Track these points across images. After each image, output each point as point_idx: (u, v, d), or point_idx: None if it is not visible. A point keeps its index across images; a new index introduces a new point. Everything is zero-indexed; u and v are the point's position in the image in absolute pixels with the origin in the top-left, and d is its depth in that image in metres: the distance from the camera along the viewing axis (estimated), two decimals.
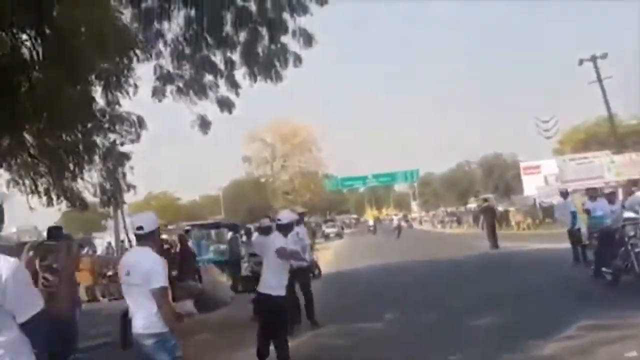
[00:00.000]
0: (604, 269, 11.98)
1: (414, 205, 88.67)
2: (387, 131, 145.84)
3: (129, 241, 36.20)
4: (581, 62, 37.83)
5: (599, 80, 37.11)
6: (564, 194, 16.96)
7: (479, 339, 8.72)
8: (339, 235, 58.74)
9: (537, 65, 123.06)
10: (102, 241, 39.02)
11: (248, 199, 64.10)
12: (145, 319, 5.05)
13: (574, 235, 15.98)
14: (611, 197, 13.99)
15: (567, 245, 19.92)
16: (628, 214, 11.43)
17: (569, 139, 52.91)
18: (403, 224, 47.95)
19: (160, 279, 4.99)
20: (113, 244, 34.92)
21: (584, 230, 15.62)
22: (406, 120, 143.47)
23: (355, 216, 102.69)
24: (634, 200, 10.03)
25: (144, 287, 5.00)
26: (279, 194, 66.98)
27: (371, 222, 70.36)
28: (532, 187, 44.59)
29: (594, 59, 37.43)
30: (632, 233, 11.17)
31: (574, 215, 15.95)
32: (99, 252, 33.29)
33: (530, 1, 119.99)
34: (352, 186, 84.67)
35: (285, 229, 8.10)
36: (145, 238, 5.27)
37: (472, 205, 65.75)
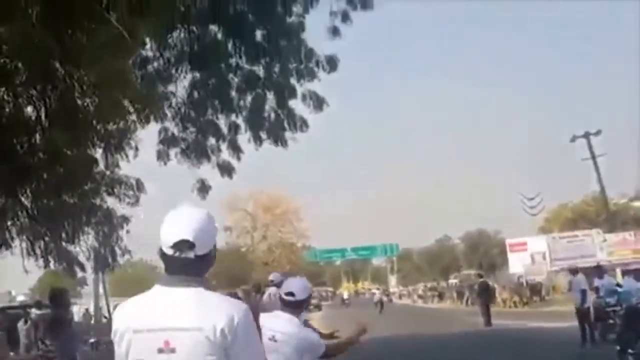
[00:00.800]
0: (630, 350, 11.40)
1: (392, 279, 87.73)
2: (367, 203, 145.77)
3: (108, 308, 35.16)
4: (574, 138, 38.11)
5: (593, 157, 37.30)
6: (574, 272, 16.50)
7: None
8: (317, 307, 57.42)
9: (523, 142, 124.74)
10: (78, 308, 37.71)
11: (228, 269, 62.97)
12: None
13: (582, 313, 15.45)
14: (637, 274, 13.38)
15: (564, 324, 19.54)
16: None
17: (555, 217, 52.99)
18: (384, 297, 46.97)
19: (321, 350, 4.59)
20: (91, 310, 33.87)
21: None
22: (386, 193, 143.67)
23: (331, 289, 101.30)
24: None
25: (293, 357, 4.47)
26: (258, 264, 66.10)
27: (346, 295, 69.32)
28: (517, 264, 44.13)
29: (587, 135, 37.69)
30: None
31: (583, 293, 15.45)
32: (76, 318, 32.05)
33: (514, 79, 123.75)
34: (330, 258, 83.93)
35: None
36: (294, 306, 4.68)
37: (454, 280, 65.17)
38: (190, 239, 2.46)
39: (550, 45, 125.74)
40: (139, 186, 14.73)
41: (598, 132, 38.16)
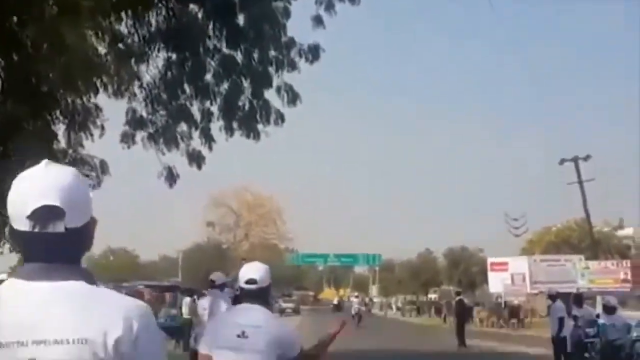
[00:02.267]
0: None
1: (374, 289, 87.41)
2: (350, 212, 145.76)
3: None
4: (562, 161, 37.89)
5: (580, 182, 37.05)
6: (553, 297, 15.81)
7: None
8: (295, 311, 56.89)
9: (511, 161, 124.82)
10: None
11: (208, 264, 62.74)
12: None
13: (559, 343, 14.77)
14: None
15: (540, 350, 18.94)
16: None
17: (539, 239, 52.78)
18: (362, 308, 46.22)
19: (298, 347, 3.99)
20: None
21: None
22: (371, 204, 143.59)
23: (312, 293, 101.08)
24: None
25: (266, 356, 3.85)
26: (238, 262, 65.73)
27: (335, 301, 69.13)
28: (497, 283, 43.77)
29: (575, 159, 37.46)
30: None
31: (561, 321, 14.77)
32: None
33: (505, 95, 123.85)
34: (312, 263, 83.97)
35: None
36: (258, 296, 4.05)
37: (433, 295, 64.91)
38: (58, 204, 1.62)
39: (544, 65, 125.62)
40: (103, 168, 13.90)
41: (587, 157, 38.04)
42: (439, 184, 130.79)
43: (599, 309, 17.14)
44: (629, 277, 35.06)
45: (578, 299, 15.67)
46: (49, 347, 1.56)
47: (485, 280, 49.50)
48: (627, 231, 54.60)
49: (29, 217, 1.61)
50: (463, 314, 25.58)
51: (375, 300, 76.70)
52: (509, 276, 42.81)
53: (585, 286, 31.84)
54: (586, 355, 13.69)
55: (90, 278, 1.69)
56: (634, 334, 10.54)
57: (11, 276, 1.68)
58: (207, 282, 8.58)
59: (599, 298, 25.38)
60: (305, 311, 62.73)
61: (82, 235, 1.73)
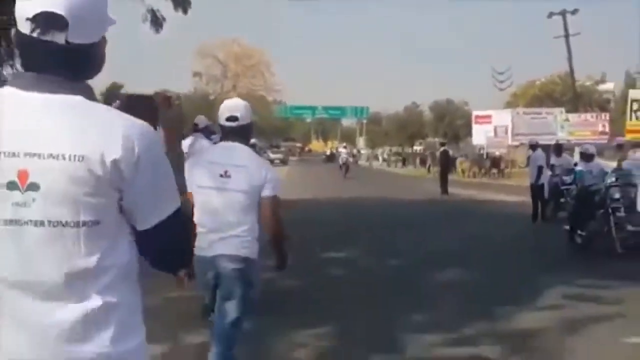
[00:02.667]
0: (579, 231, 11.29)
1: (361, 140, 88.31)
2: (338, 65, 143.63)
3: None
4: (550, 15, 37.30)
5: (566, 35, 36.67)
6: (534, 147, 16.26)
7: (446, 300, 7.64)
8: (283, 162, 57.82)
9: (499, 14, 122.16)
10: None
11: (194, 114, 62.35)
12: (238, 237, 3.86)
13: (537, 189, 15.39)
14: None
15: (518, 198, 19.68)
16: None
17: (523, 93, 53.02)
18: (350, 159, 46.89)
19: (278, 186, 3.92)
20: None
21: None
22: (359, 58, 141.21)
23: (300, 145, 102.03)
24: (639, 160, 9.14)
25: (250, 196, 3.84)
26: None
27: (328, 152, 69.91)
28: (481, 136, 44.37)
29: (563, 13, 36.86)
30: (616, 196, 10.52)
31: (539, 169, 15.33)
32: None
33: None
34: (300, 115, 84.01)
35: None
36: (240, 134, 3.96)
37: (419, 147, 65.84)
38: (62, 13, 1.54)
39: None
40: None
41: (575, 11, 37.49)
42: (426, 37, 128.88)
43: (576, 159, 17.64)
44: (607, 129, 35.76)
45: (557, 148, 16.07)
46: (43, 160, 1.51)
47: (469, 132, 50.14)
48: (608, 85, 54.83)
49: (30, 20, 1.55)
50: (446, 164, 26.25)
51: (362, 152, 77.75)
52: (492, 128, 43.39)
53: (564, 138, 32.41)
54: (562, 200, 14.24)
55: (91, 94, 1.63)
56: (609, 180, 10.95)
57: (7, 84, 1.61)
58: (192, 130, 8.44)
59: (577, 149, 25.97)
60: (293, 162, 63.72)
61: (88, 55, 1.65)
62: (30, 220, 1.52)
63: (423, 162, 49.65)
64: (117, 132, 1.55)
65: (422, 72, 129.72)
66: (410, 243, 12.17)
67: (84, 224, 1.54)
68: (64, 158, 1.51)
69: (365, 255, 10.88)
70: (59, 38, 1.56)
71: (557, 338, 6.11)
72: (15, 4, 1.56)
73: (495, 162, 39.54)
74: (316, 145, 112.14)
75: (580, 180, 12.01)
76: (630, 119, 23.18)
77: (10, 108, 1.55)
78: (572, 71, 38.77)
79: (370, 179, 37.24)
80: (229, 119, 3.92)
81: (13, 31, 1.60)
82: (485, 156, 41.27)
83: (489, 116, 44.54)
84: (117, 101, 1.81)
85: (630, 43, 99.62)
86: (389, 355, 5.66)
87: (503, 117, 43.29)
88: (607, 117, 37.39)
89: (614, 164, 13.39)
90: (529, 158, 16.62)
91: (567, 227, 11.74)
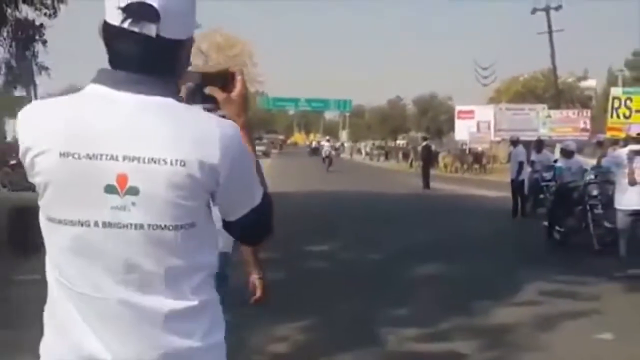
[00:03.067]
0: (557, 227, 11.42)
1: (343, 134, 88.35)
2: (322, 57, 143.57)
3: None
4: (534, 11, 37.46)
5: (550, 32, 36.85)
6: (515, 142, 16.40)
7: (424, 295, 7.77)
8: (265, 154, 57.73)
9: (483, 9, 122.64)
10: (13, 126, 36.43)
11: None
12: None
13: (517, 185, 15.54)
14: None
15: (499, 193, 19.84)
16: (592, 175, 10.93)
17: (506, 89, 53.15)
18: (333, 152, 46.72)
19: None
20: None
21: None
22: (342, 50, 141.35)
23: (282, 137, 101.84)
24: (616, 158, 9.22)
25: None
26: None
27: (313, 145, 69.59)
28: (464, 131, 44.41)
29: (547, 9, 37.04)
30: (594, 193, 10.65)
31: (520, 165, 15.49)
32: (9, 138, 31.06)
33: None
34: (283, 107, 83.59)
35: None
36: None
37: (402, 142, 65.90)
38: (155, 4, 1.51)
39: None
40: None
41: (559, 7, 37.62)
42: (411, 31, 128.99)
43: (557, 156, 17.77)
44: (588, 126, 35.92)
45: (538, 145, 16.20)
46: (143, 164, 1.48)
47: (452, 127, 50.19)
48: (590, 82, 55.17)
49: (122, 9, 1.50)
50: (429, 159, 26.40)
51: (345, 144, 77.74)
52: (475, 124, 43.43)
53: (546, 134, 32.56)
54: (541, 196, 14.39)
55: (179, 96, 1.61)
56: (588, 177, 11.07)
57: (94, 82, 1.56)
58: None
59: (558, 145, 26.18)
60: (274, 154, 63.65)
61: (176, 52, 1.61)
62: (130, 224, 1.51)
63: (406, 156, 49.66)
64: (213, 137, 1.54)
65: (406, 66, 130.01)
66: (391, 237, 12.26)
67: (182, 227, 1.54)
68: (165, 162, 1.49)
69: (346, 249, 10.96)
70: (150, 30, 1.51)
71: (532, 334, 6.18)
72: None
73: (478, 157, 39.65)
74: (299, 137, 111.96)
75: (560, 177, 12.12)
76: (612, 116, 23.35)
77: (102, 108, 1.52)
78: (554, 68, 39.02)
79: (353, 173, 37.30)
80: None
81: (101, 26, 1.55)
82: (467, 151, 41.38)
83: (471, 111, 44.59)
84: (189, 84, 1.72)
85: (613, 40, 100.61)
86: (367, 349, 5.73)
87: (486, 113, 43.32)
88: (589, 114, 37.57)
89: (593, 161, 13.54)
90: (510, 154, 16.75)
91: (546, 223, 11.88)
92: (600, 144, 19.30)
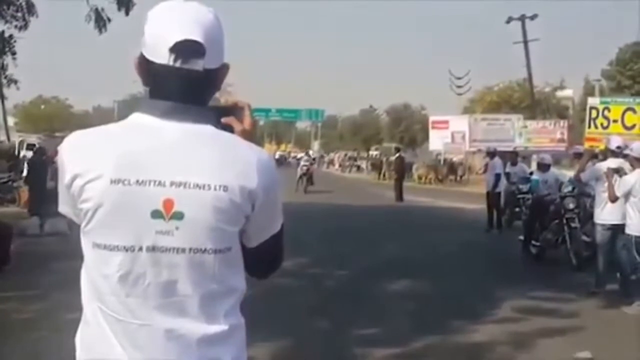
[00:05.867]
0: (533, 241, 11.19)
1: (315, 144, 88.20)
2: (293, 66, 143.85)
3: (8, 140, 33.26)
4: (509, 20, 37.55)
5: (525, 41, 36.97)
6: (492, 154, 16.19)
7: (397, 312, 7.53)
8: None
9: (458, 18, 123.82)
10: None
11: None
12: None
13: (492, 198, 15.34)
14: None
15: (474, 205, 19.60)
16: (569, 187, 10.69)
17: (480, 99, 52.93)
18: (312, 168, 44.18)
19: None
20: None
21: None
22: (314, 59, 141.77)
23: None
24: (595, 172, 8.92)
25: None
26: None
27: (277, 155, 69.28)
28: (438, 142, 44.28)
29: (522, 18, 37.14)
30: (571, 206, 10.39)
31: (497, 177, 15.28)
32: None
33: None
34: (253, 117, 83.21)
35: None
36: None
37: (375, 152, 65.65)
38: (201, 40, 1.56)
39: None
40: (30, 8, 13.04)
41: (534, 17, 37.62)
42: (383, 40, 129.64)
43: (534, 167, 17.59)
44: (565, 137, 35.79)
45: (512, 157, 16.08)
46: (189, 190, 1.53)
47: (426, 138, 50.02)
48: (567, 92, 55.33)
49: (171, 50, 1.55)
50: (402, 170, 26.05)
51: (321, 156, 77.39)
52: (449, 134, 43.28)
53: (522, 145, 32.48)
54: (517, 209, 14.20)
55: (216, 123, 1.64)
56: (565, 190, 10.83)
57: (138, 111, 1.61)
58: None
59: (535, 156, 26.14)
60: None
61: (215, 79, 1.68)
62: (173, 248, 1.55)
63: (375, 167, 48.69)
64: (252, 163, 1.61)
65: (379, 75, 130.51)
66: (362, 252, 11.95)
67: (221, 251, 1.59)
68: (209, 188, 1.54)
69: (316, 264, 10.58)
70: (198, 65, 1.57)
71: (508, 352, 6.05)
72: (145, 36, 1.58)
73: (452, 168, 39.61)
74: (269, 148, 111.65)
75: (536, 190, 11.93)
76: (589, 126, 23.25)
77: (150, 136, 1.57)
78: (530, 77, 38.99)
79: (322, 184, 36.64)
80: None
81: (139, 60, 1.61)
82: (442, 162, 41.31)
83: (446, 122, 44.45)
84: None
85: (589, 50, 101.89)
86: None
87: (460, 123, 43.11)
88: (566, 125, 37.45)
89: (571, 173, 13.35)
90: (486, 165, 16.54)
91: (522, 237, 11.68)
92: (578, 155, 19.19)
